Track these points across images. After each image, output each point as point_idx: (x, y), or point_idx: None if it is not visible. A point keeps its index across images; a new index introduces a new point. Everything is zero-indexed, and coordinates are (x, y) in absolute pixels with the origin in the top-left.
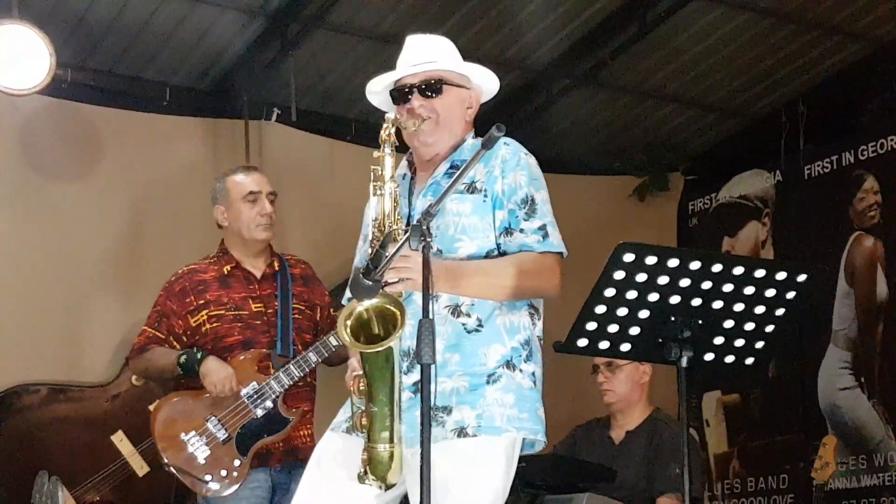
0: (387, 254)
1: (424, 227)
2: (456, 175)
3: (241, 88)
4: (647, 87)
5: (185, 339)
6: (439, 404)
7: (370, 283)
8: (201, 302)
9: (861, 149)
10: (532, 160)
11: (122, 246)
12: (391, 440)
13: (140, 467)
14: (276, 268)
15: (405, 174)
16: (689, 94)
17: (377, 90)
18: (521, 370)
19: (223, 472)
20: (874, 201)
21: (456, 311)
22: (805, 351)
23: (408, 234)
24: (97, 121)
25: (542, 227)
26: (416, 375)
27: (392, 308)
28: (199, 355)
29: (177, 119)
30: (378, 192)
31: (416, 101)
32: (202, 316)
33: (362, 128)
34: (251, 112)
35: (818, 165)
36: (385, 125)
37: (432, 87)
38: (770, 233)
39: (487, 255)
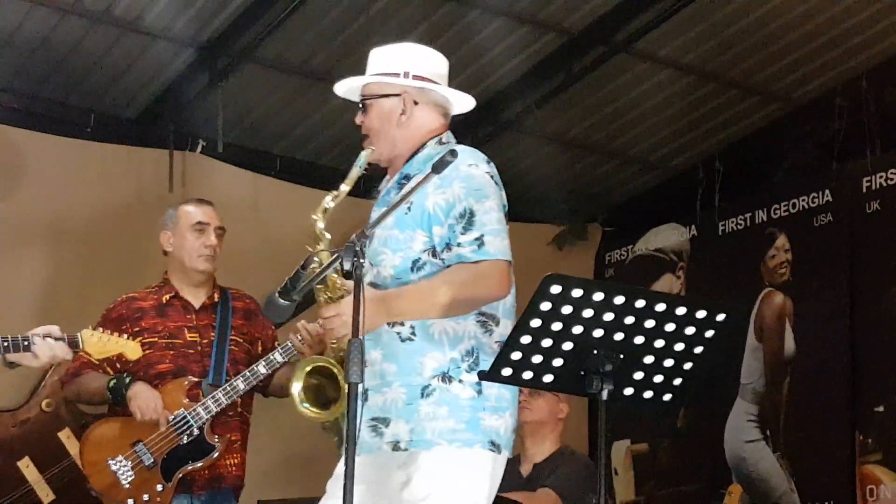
0: (306, 274)
1: (357, 248)
2: (398, 198)
3: (168, 118)
4: (570, 137)
5: (118, 365)
6: (380, 415)
7: (286, 303)
8: (136, 329)
9: (774, 207)
10: (476, 171)
11: (38, 271)
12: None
13: (46, 495)
14: (217, 299)
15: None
16: (611, 146)
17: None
18: (460, 381)
19: (146, 497)
20: (785, 259)
21: None
22: (714, 403)
23: (339, 253)
24: (20, 144)
25: (479, 238)
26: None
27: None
28: (127, 380)
29: (100, 146)
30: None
31: (358, 118)
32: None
33: (287, 163)
34: (176, 142)
35: (732, 222)
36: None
37: (363, 104)
38: (684, 286)
39: (413, 266)
